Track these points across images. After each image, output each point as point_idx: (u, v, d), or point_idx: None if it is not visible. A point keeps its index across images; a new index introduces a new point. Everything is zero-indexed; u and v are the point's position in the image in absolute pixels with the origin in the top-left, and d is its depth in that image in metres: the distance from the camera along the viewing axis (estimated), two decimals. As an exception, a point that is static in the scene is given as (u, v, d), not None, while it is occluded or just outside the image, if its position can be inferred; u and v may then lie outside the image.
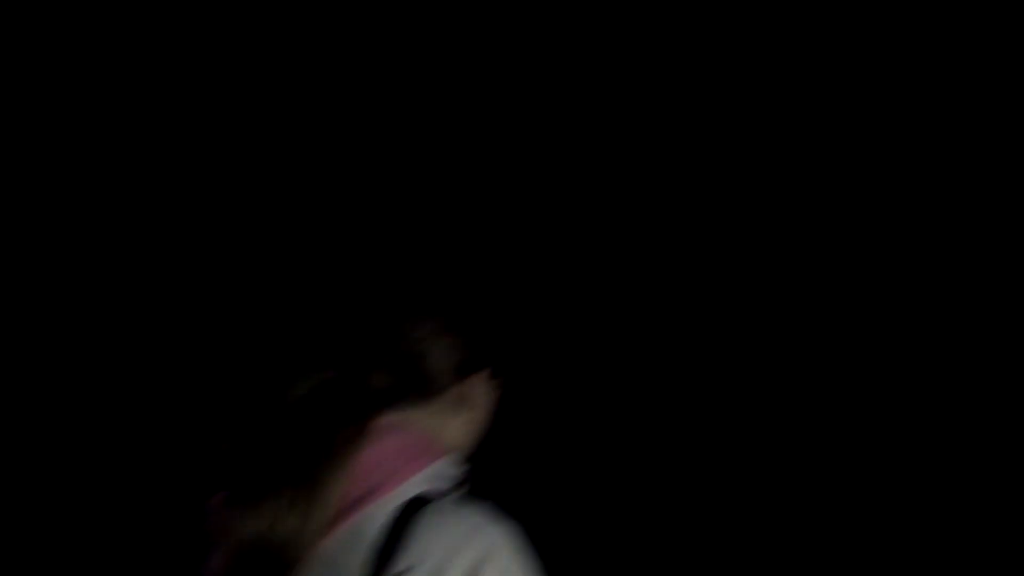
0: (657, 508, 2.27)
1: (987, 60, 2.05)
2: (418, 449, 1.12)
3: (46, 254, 2.24)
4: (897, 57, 2.12)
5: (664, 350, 2.28)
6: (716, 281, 2.26)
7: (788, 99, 2.20)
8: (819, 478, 2.19)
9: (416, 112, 2.21)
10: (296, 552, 1.02)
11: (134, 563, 2.17)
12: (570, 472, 2.28)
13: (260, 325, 2.16)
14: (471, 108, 2.21)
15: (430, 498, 1.08)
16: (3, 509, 2.19)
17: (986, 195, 2.09)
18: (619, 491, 2.28)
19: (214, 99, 2.23)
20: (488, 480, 1.22)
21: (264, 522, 1.02)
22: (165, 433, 2.20)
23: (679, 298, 2.26)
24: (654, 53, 2.23)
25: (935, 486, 2.08)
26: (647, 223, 2.27)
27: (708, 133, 2.23)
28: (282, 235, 2.22)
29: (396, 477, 1.08)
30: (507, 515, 1.06)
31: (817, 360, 2.23)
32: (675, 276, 2.25)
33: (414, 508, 1.06)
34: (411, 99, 2.21)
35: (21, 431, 2.21)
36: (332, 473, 1.06)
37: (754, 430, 2.27)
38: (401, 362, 1.16)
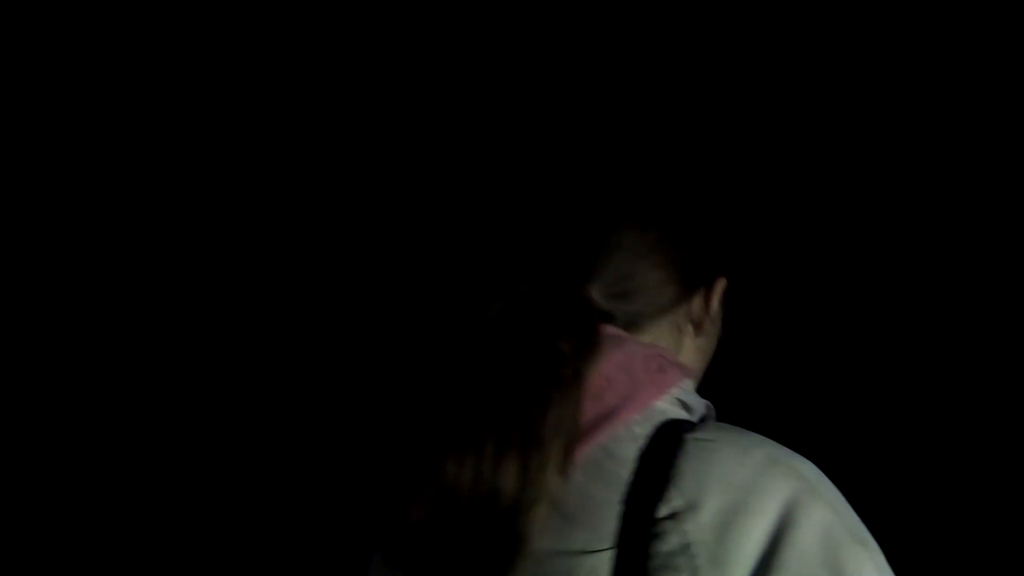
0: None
1: (987, 60, 2.09)
2: (663, 361, 0.90)
3: (72, 252, 2.17)
4: (897, 57, 2.16)
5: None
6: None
7: (788, 99, 2.23)
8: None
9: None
10: (530, 493, 0.79)
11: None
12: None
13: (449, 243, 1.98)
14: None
15: (687, 423, 0.86)
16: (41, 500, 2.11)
17: (986, 195, 2.14)
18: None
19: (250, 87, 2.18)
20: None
21: (486, 463, 0.80)
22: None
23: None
24: (663, 52, 2.24)
25: (935, 486, 2.12)
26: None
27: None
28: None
29: (642, 392, 0.86)
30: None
31: (817, 360, 2.26)
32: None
33: (672, 433, 0.83)
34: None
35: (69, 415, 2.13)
36: (561, 392, 0.83)
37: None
38: (618, 274, 0.93)
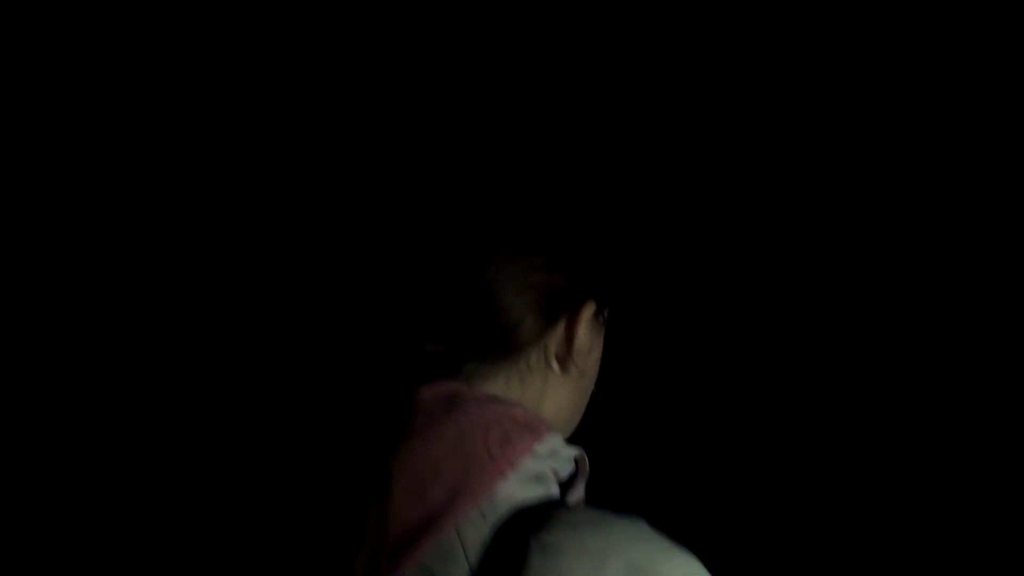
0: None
1: (987, 60, 2.07)
2: (510, 425, 0.73)
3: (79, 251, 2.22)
4: (897, 57, 2.14)
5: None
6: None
7: (788, 99, 2.21)
8: (820, 478, 2.20)
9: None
10: None
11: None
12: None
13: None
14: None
15: (537, 510, 0.70)
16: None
17: (986, 195, 2.12)
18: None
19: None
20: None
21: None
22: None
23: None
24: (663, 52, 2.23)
25: (935, 486, 2.10)
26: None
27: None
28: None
29: (479, 478, 0.69)
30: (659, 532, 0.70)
31: (817, 360, 2.25)
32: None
33: (512, 537, 0.67)
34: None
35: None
36: (387, 480, 0.67)
37: (754, 430, 2.28)
38: (460, 308, 0.75)
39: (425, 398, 0.73)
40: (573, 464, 0.78)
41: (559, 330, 0.80)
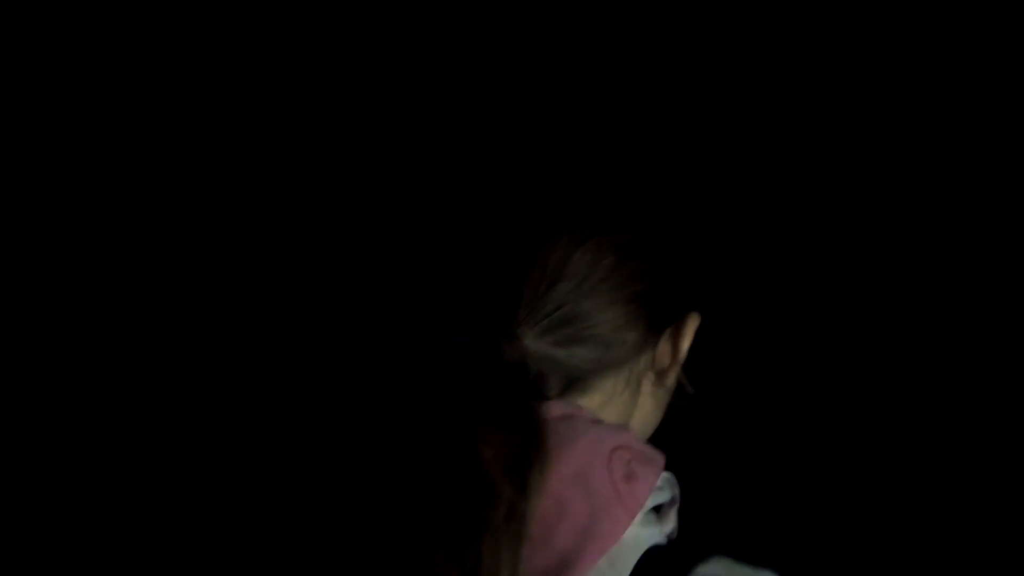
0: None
1: (987, 60, 2.09)
2: (633, 456, 0.67)
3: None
4: (897, 57, 2.16)
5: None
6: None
7: (788, 99, 2.22)
8: (819, 478, 2.22)
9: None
10: None
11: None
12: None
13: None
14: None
15: (664, 549, 0.66)
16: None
17: (986, 195, 2.13)
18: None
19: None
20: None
21: None
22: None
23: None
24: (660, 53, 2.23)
25: (935, 486, 2.11)
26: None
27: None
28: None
29: (609, 521, 0.63)
30: None
31: (817, 360, 2.26)
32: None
33: (657, 572, 0.62)
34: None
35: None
36: (490, 545, 0.60)
37: (754, 430, 2.28)
38: (558, 316, 0.68)
39: (543, 417, 0.66)
40: (669, 488, 0.72)
41: (663, 343, 0.75)
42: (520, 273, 0.70)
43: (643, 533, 0.66)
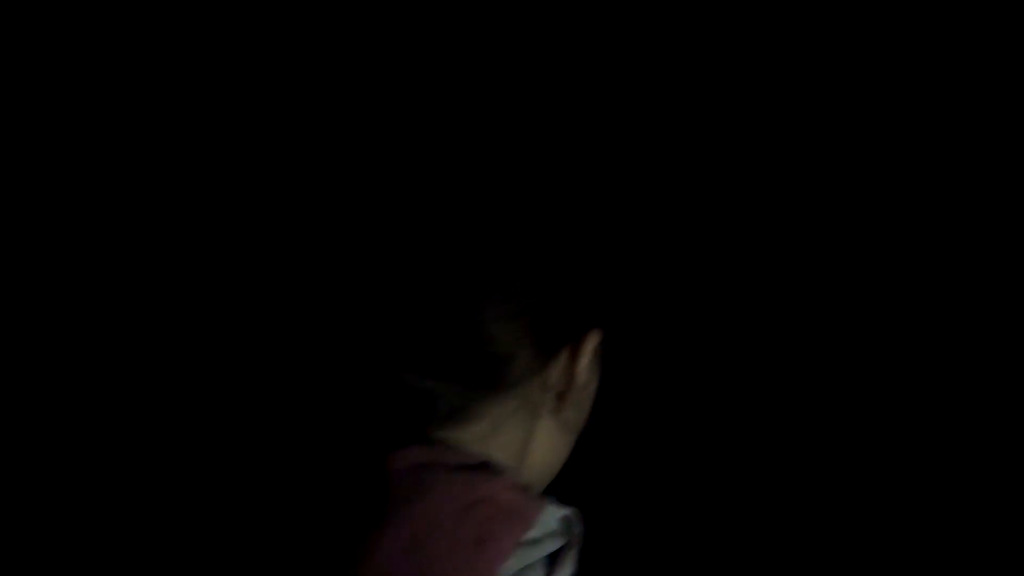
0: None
1: (987, 60, 2.07)
2: (496, 510, 0.59)
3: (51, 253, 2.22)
4: (897, 57, 2.14)
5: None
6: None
7: (788, 99, 2.21)
8: (819, 478, 2.21)
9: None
10: None
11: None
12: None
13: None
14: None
15: None
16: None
17: (986, 195, 2.12)
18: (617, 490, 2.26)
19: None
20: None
21: None
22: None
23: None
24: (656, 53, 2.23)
25: (935, 486, 2.10)
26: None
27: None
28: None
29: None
30: None
31: (817, 360, 2.25)
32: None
33: None
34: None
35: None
36: None
37: (754, 430, 2.28)
38: (442, 337, 0.62)
39: (395, 469, 0.59)
40: (560, 532, 0.65)
41: (559, 364, 0.68)
42: (405, 298, 0.64)
43: None
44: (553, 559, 0.63)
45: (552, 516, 0.63)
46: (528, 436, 0.67)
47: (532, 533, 0.60)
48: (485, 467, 0.63)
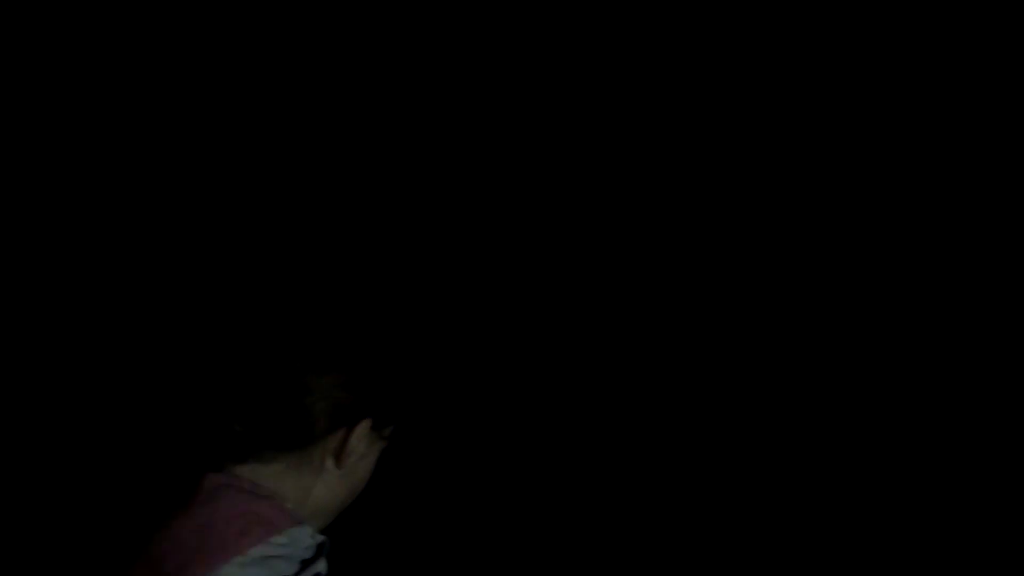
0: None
1: (987, 60, 2.04)
2: (251, 519, 0.92)
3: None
4: (897, 57, 2.12)
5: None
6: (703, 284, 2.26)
7: (788, 99, 2.19)
8: (819, 478, 2.19)
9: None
10: None
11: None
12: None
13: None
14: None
15: None
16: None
17: (986, 195, 2.09)
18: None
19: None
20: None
21: None
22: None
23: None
24: (654, 53, 2.23)
25: (935, 486, 2.07)
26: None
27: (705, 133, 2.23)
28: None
29: (204, 558, 0.88)
30: None
31: (817, 360, 2.23)
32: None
33: None
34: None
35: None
36: (147, 546, 0.87)
37: (754, 430, 2.26)
38: (261, 405, 0.96)
39: (204, 484, 0.94)
40: (311, 551, 0.96)
41: (340, 435, 1.01)
42: (253, 372, 0.97)
43: (239, 573, 0.90)
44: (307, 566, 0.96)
45: (305, 535, 0.96)
46: (311, 484, 1.01)
47: (282, 540, 0.93)
48: (265, 495, 0.96)
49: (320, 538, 0.97)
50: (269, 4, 2.29)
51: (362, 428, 1.01)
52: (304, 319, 1.00)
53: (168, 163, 2.25)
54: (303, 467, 1.00)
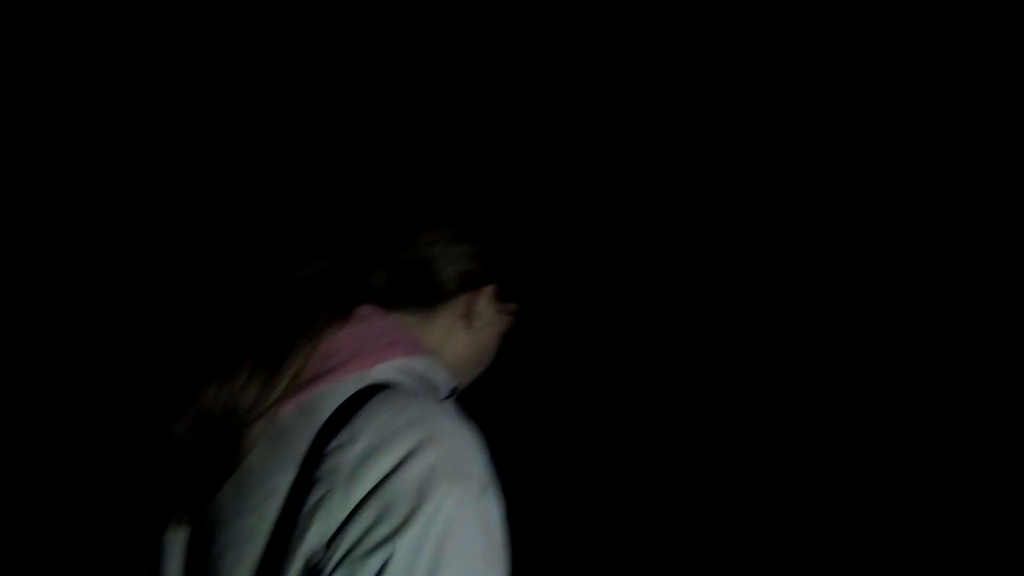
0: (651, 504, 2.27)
1: (987, 60, 2.04)
2: (395, 338, 1.07)
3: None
4: (897, 57, 2.11)
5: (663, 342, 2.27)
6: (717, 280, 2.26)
7: (788, 99, 2.19)
8: (819, 478, 2.18)
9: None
10: (250, 418, 1.00)
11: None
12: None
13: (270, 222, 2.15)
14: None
15: (392, 387, 1.02)
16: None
17: (986, 195, 2.08)
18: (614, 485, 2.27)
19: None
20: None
21: (227, 391, 1.00)
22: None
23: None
24: (654, 53, 2.23)
25: (935, 486, 2.07)
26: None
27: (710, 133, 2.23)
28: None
29: (361, 358, 1.03)
30: (469, 417, 1.02)
31: (817, 360, 2.22)
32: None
33: (369, 392, 1.00)
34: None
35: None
36: (299, 348, 1.03)
37: (754, 430, 2.26)
38: (403, 264, 1.11)
39: (359, 311, 1.09)
40: (446, 389, 1.11)
41: (467, 298, 1.15)
42: (381, 232, 1.13)
43: (388, 375, 1.05)
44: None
45: (442, 373, 1.12)
46: (444, 340, 1.15)
47: (424, 362, 1.10)
48: (404, 329, 1.12)
49: (452, 385, 1.13)
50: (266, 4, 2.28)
51: (487, 293, 1.15)
52: (447, 196, 1.15)
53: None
54: (436, 322, 1.14)
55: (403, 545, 0.91)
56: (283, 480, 0.98)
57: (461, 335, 1.15)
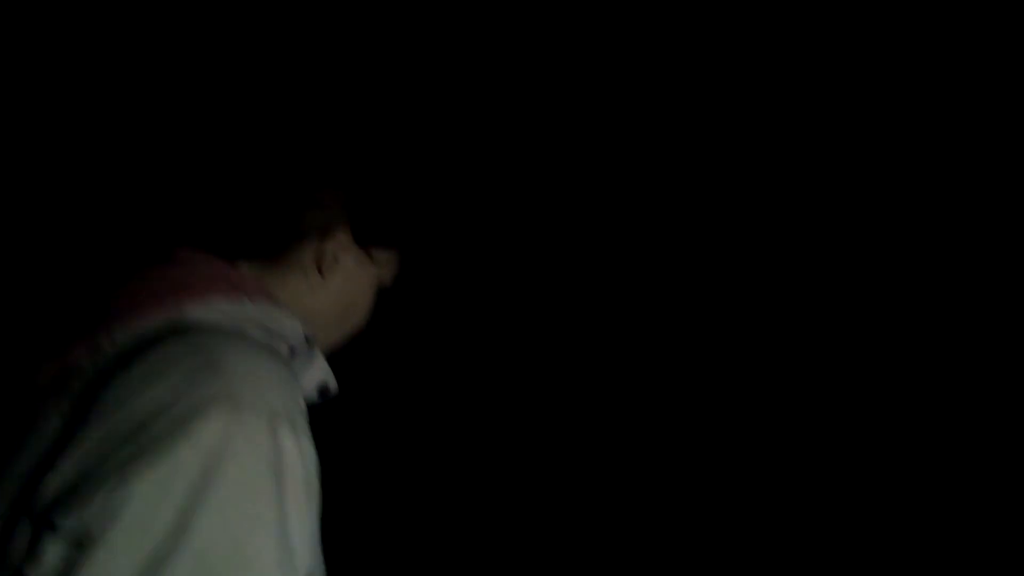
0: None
1: (987, 60, 2.04)
2: (214, 279, 0.98)
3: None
4: (897, 57, 2.12)
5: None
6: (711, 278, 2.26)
7: (788, 99, 2.20)
8: (819, 478, 2.18)
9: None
10: (41, 360, 0.93)
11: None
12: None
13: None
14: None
15: (207, 329, 0.92)
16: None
17: (986, 195, 2.09)
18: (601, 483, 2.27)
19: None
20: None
21: (21, 330, 0.97)
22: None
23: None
24: (654, 53, 2.23)
25: (935, 486, 2.07)
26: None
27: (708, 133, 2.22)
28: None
29: (168, 298, 0.94)
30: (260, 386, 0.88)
31: (817, 360, 2.22)
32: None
33: (171, 333, 0.90)
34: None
35: None
36: (100, 289, 0.96)
37: (754, 430, 2.26)
38: (241, 209, 1.02)
39: (179, 256, 1.01)
40: (296, 339, 1.00)
41: (317, 243, 1.05)
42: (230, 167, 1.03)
43: (206, 315, 0.95)
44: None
45: (296, 327, 1.01)
46: (298, 290, 1.05)
47: (253, 308, 0.98)
48: (238, 276, 1.02)
49: (303, 336, 1.01)
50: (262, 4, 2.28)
51: (340, 238, 1.06)
52: (299, 132, 1.05)
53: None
54: (288, 273, 1.05)
55: (150, 475, 0.80)
56: (58, 421, 0.88)
57: (319, 287, 1.06)
